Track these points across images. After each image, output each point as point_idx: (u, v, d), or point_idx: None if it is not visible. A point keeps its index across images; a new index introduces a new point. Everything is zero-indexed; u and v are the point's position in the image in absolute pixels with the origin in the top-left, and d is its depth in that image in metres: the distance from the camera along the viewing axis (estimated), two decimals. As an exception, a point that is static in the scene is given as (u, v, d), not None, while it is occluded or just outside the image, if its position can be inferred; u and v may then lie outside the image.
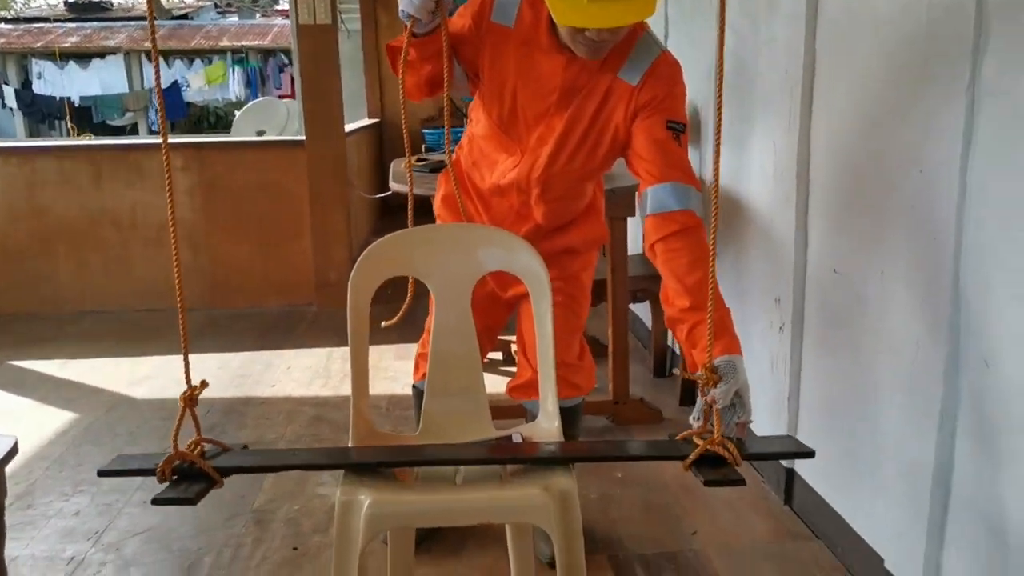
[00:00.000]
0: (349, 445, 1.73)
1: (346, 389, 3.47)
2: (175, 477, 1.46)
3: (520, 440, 1.75)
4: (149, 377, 3.58)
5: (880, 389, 1.94)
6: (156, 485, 2.39)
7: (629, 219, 3.07)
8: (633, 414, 3.09)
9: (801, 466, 2.38)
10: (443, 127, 2.14)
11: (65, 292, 4.68)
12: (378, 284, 1.81)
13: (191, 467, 1.47)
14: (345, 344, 4.25)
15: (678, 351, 3.35)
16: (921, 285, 1.72)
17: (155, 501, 1.41)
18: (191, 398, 1.53)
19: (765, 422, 2.56)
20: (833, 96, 2.14)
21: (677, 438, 1.61)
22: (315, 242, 4.73)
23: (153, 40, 1.43)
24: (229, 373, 3.62)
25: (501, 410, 2.23)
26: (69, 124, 8.83)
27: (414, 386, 2.31)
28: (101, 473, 1.50)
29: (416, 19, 1.79)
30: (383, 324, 1.97)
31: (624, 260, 3.03)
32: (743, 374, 1.62)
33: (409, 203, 1.98)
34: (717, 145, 1.54)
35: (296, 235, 4.79)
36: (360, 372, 1.78)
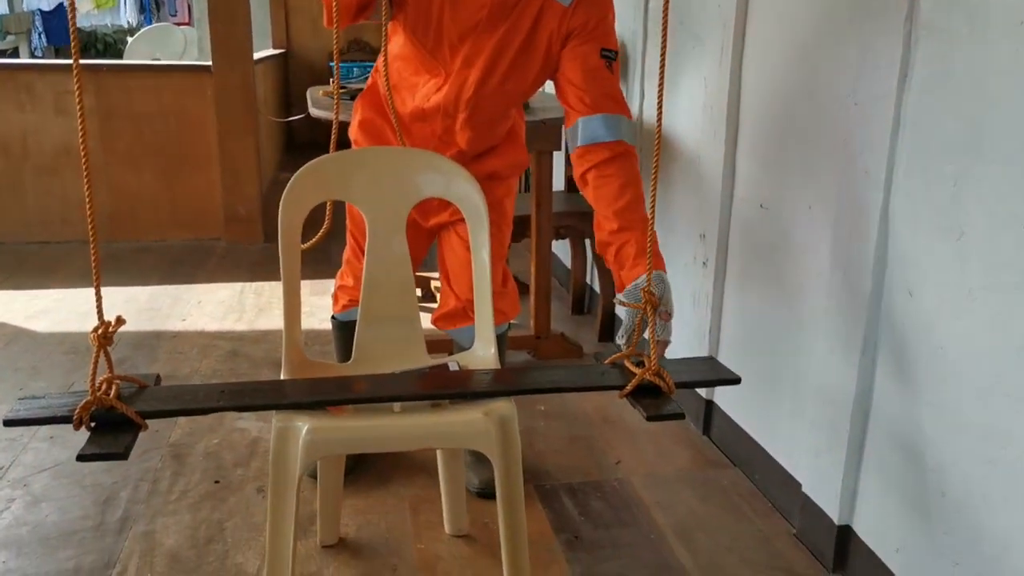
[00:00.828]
0: (282, 376, 1.68)
1: (262, 324, 3.40)
2: (93, 424, 1.37)
3: (456, 368, 1.73)
4: (47, 311, 3.39)
5: (804, 320, 2.01)
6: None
7: (555, 154, 3.06)
8: (554, 349, 3.12)
9: (720, 397, 2.45)
10: (355, 60, 2.05)
11: (-50, 222, 4.38)
12: (310, 207, 1.75)
13: (110, 411, 1.37)
14: (257, 280, 4.13)
15: (597, 289, 3.38)
16: (850, 218, 1.77)
17: (80, 457, 1.31)
18: (105, 336, 1.40)
19: (685, 354, 2.62)
20: (766, 30, 2.16)
21: (606, 362, 1.63)
22: (224, 174, 4.55)
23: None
24: (136, 307, 3.47)
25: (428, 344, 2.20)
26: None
27: (334, 317, 2.26)
28: (8, 423, 1.38)
29: None
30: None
31: (549, 196, 3.02)
32: (670, 293, 1.65)
33: (333, 130, 1.89)
34: (661, 79, 1.53)
35: (202, 166, 4.59)
36: (292, 300, 1.72)
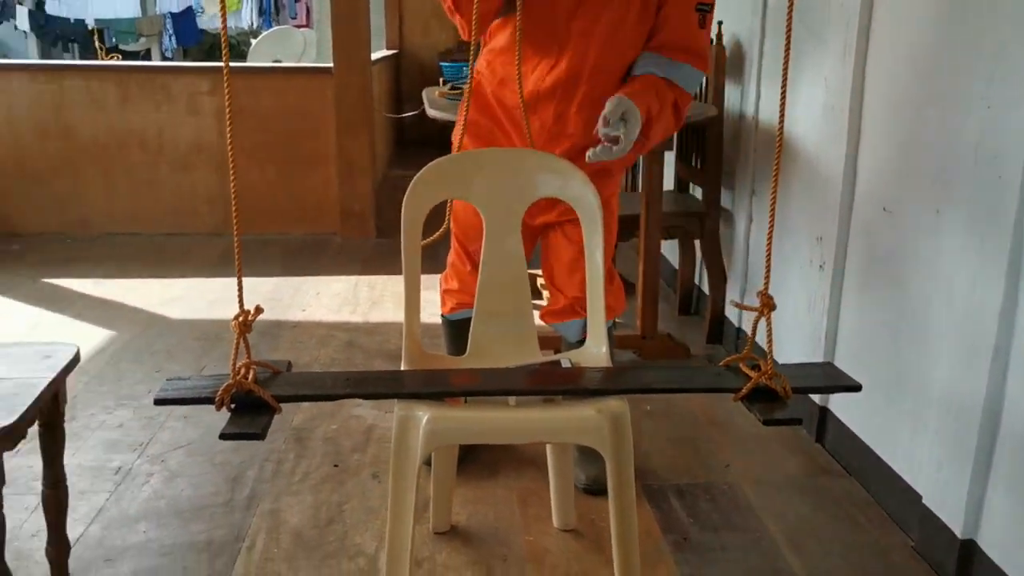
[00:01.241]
0: (402, 367, 1.75)
1: (375, 316, 3.52)
2: (232, 405, 1.47)
3: (569, 365, 1.77)
4: (180, 298, 3.60)
5: (928, 327, 1.95)
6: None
7: (666, 153, 3.05)
8: (660, 349, 3.11)
9: (835, 403, 2.41)
10: (461, 60, 2.10)
11: (93, 213, 4.69)
12: (432, 206, 1.81)
13: (248, 395, 1.47)
14: (370, 273, 4.28)
15: (706, 290, 3.36)
16: (981, 224, 1.71)
17: (223, 436, 1.41)
18: (245, 323, 1.50)
19: (800, 360, 2.57)
20: (892, 29, 2.10)
21: (720, 364, 1.63)
22: (340, 171, 4.71)
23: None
24: (260, 296, 3.64)
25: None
26: (98, 46, 8.71)
27: (443, 317, 2.31)
28: (159, 402, 1.49)
29: None
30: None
31: (659, 196, 3.01)
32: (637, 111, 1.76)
33: (455, 134, 1.94)
34: (784, 79, 1.52)
35: (320, 163, 4.77)
36: (412, 294, 1.79)
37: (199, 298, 3.58)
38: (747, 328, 3.00)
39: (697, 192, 3.43)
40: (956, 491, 1.79)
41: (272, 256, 4.36)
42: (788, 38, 1.50)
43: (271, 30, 12.32)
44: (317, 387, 1.55)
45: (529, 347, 1.85)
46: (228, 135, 1.46)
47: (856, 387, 1.61)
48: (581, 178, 1.81)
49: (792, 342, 2.64)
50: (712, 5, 1.92)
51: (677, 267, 3.64)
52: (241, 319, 1.50)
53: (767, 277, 1.58)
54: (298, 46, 11.53)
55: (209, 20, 16.44)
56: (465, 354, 1.86)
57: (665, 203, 3.13)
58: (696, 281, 3.58)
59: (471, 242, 2.12)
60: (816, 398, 2.45)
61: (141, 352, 3.06)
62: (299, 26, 15.01)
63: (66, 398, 1.72)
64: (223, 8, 1.45)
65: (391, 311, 3.54)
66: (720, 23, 3.10)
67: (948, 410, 1.83)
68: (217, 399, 1.45)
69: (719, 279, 3.22)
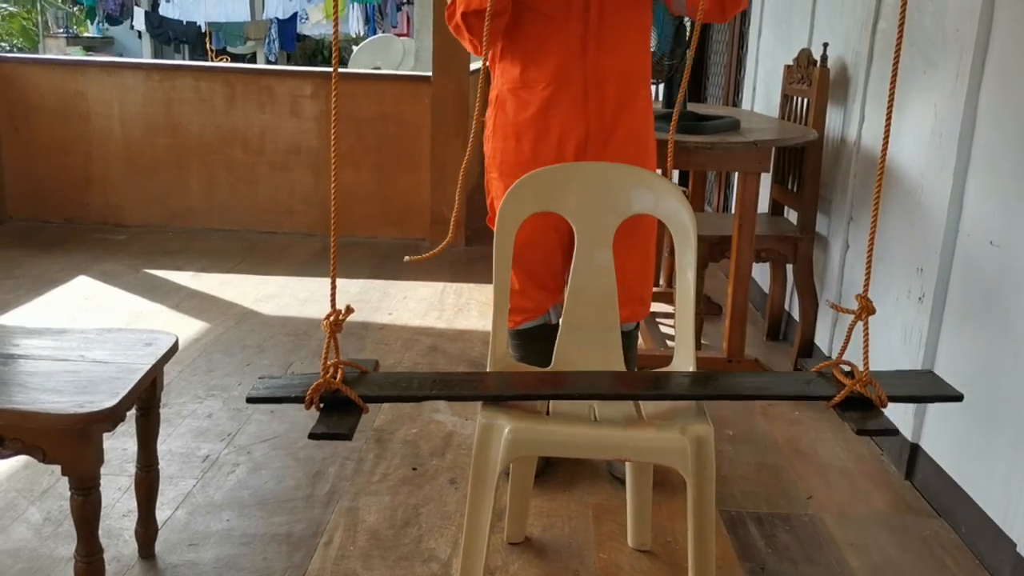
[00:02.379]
0: (488, 365, 1.76)
1: (459, 323, 3.55)
2: (321, 405, 1.49)
3: (655, 383, 1.75)
4: (273, 296, 3.71)
5: (1032, 368, 1.86)
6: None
7: (763, 175, 2.99)
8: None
9: (927, 440, 2.32)
10: None
11: (195, 208, 4.88)
12: (525, 217, 1.83)
13: (335, 394, 1.49)
14: (457, 280, 4.32)
15: (796, 316, 3.28)
16: (1097, 262, 1.63)
17: (312, 436, 1.43)
18: (336, 323, 1.52)
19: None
20: (1009, 58, 2.02)
21: (813, 370, 1.59)
22: (433, 177, 4.78)
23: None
24: (348, 298, 3.72)
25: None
26: (209, 47, 9.09)
27: (510, 330, 2.31)
28: (251, 400, 1.53)
29: None
30: (406, 258, 2.04)
31: (752, 218, 2.96)
32: None
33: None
34: (890, 104, 1.48)
35: (414, 169, 4.85)
36: (501, 301, 1.81)
37: (291, 296, 3.68)
38: (837, 352, 2.93)
39: (792, 216, 3.36)
40: (1057, 542, 1.70)
41: (362, 258, 4.45)
42: (896, 60, 1.46)
43: (372, 38, 12.63)
44: (403, 388, 1.57)
45: (615, 359, 1.85)
46: (332, 138, 1.49)
47: (958, 397, 1.54)
48: (676, 195, 1.80)
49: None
50: None
51: (767, 291, 3.57)
52: (332, 319, 1.52)
53: (867, 279, 1.52)
54: (398, 54, 11.78)
55: (313, 27, 16.97)
56: (550, 365, 1.86)
57: (758, 225, 3.07)
58: (786, 307, 3.50)
59: (531, 249, 2.14)
60: (907, 434, 2.37)
61: (233, 345, 3.16)
62: (400, 35, 15.36)
63: (163, 385, 1.79)
64: (336, 16, 1.48)
65: (476, 319, 3.57)
66: (825, 45, 3.03)
67: (1052, 456, 1.74)
68: (307, 399, 1.48)
69: (810, 306, 3.13)
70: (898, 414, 2.45)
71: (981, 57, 2.12)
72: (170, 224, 4.87)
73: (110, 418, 1.48)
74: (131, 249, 4.44)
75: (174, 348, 1.76)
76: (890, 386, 1.49)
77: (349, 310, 1.57)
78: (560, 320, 1.87)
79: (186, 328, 3.30)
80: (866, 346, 1.49)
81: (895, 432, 1.42)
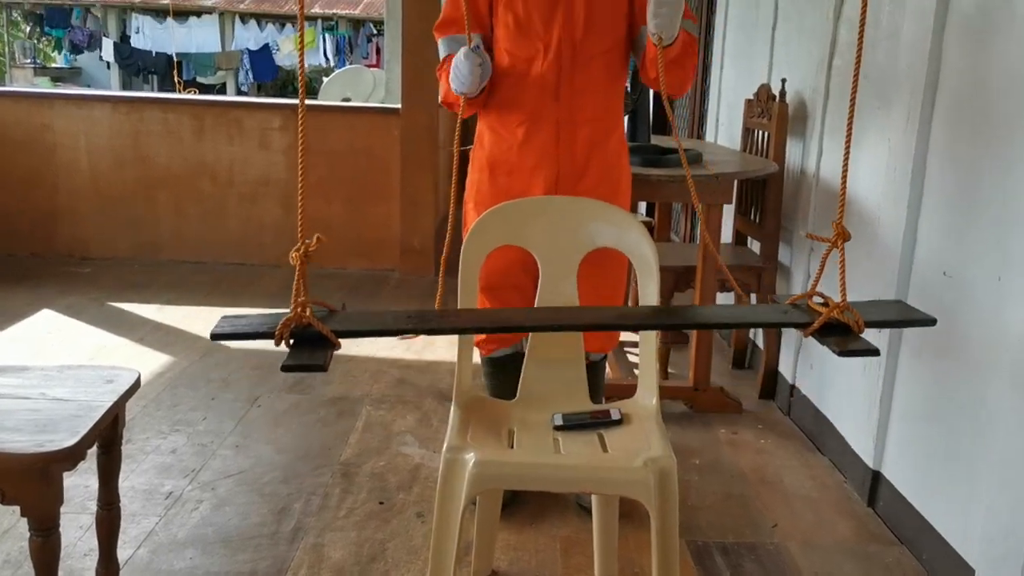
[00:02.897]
0: (452, 409, 1.76)
1: (428, 355, 3.55)
2: (291, 341, 1.44)
3: (619, 416, 1.77)
4: (240, 328, 3.68)
5: (986, 396, 1.90)
6: (250, 429, 2.50)
7: (725, 208, 3.05)
8: (712, 402, 3.08)
9: (888, 468, 2.35)
10: None
11: (162, 240, 4.85)
12: (490, 249, 1.85)
13: (306, 329, 1.44)
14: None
15: (760, 344, 3.32)
16: (1044, 293, 1.68)
17: (285, 368, 1.39)
18: (306, 254, 1.47)
19: (853, 424, 2.53)
20: (959, 95, 2.09)
21: (787, 302, 1.61)
22: (403, 208, 4.80)
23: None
24: (316, 330, 3.71)
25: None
26: (176, 80, 9.07)
27: (483, 358, 2.35)
28: (215, 337, 1.46)
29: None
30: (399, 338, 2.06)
31: (716, 248, 3.01)
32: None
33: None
34: (848, 140, 1.52)
35: (384, 200, 4.87)
36: (467, 336, 1.82)
37: (258, 328, 3.65)
38: (801, 385, 2.97)
39: (755, 246, 3.41)
40: (1011, 568, 1.73)
41: (331, 289, 4.44)
42: (853, 98, 1.50)
43: (343, 69, 12.68)
44: (376, 323, 1.53)
45: (580, 393, 1.86)
46: (301, 169, 1.48)
47: (930, 321, 1.54)
48: (638, 229, 1.83)
49: (846, 406, 2.60)
50: None
51: (732, 320, 3.61)
52: (302, 250, 1.46)
53: (842, 205, 1.54)
54: (368, 85, 11.83)
55: (284, 57, 17.01)
56: (515, 398, 1.87)
57: (723, 256, 3.12)
58: (750, 336, 3.54)
59: (506, 290, 2.20)
60: (869, 461, 2.40)
61: (198, 379, 3.14)
62: (370, 66, 15.43)
63: (125, 422, 1.78)
64: (301, 47, 1.49)
65: (444, 350, 3.57)
66: (784, 80, 3.11)
67: (1004, 484, 1.77)
68: (277, 333, 1.42)
69: (774, 334, 3.18)
70: (858, 439, 2.49)
71: (932, 94, 2.19)
72: (137, 257, 4.83)
73: (71, 457, 1.46)
74: (97, 282, 4.40)
75: (136, 384, 1.74)
76: (865, 313, 1.49)
77: (320, 240, 1.48)
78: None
79: (150, 362, 3.27)
80: (842, 274, 1.51)
81: (876, 352, 1.42)
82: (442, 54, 2.23)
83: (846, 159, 1.51)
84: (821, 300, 1.53)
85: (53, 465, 1.45)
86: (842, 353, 1.43)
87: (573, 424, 1.74)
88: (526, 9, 2.11)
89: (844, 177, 1.52)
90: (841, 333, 1.46)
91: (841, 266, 1.52)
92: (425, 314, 1.60)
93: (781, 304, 1.61)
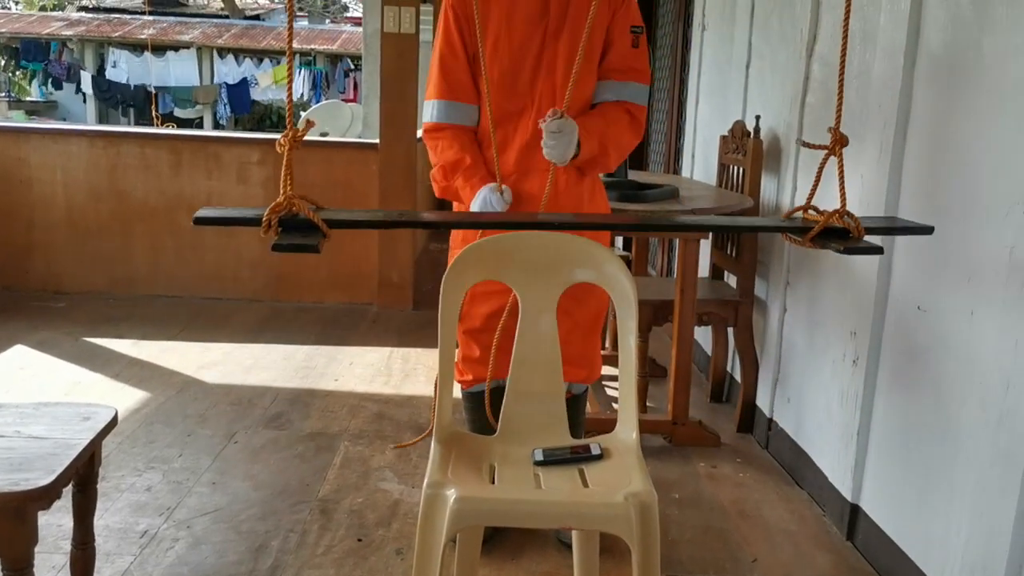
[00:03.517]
0: (432, 445, 1.76)
1: (407, 389, 3.54)
2: (281, 229, 1.42)
3: (599, 451, 1.77)
4: (217, 363, 3.66)
5: (960, 430, 1.93)
6: (227, 466, 2.47)
7: (702, 242, 3.08)
8: (691, 436, 3.09)
9: (867, 502, 2.37)
10: None
11: (138, 274, 4.81)
12: (470, 286, 1.86)
13: (295, 218, 1.41)
14: (404, 345, 4.30)
15: (738, 378, 3.34)
16: (1017, 328, 1.71)
17: (276, 247, 1.37)
18: (295, 139, 1.46)
19: (831, 457, 2.55)
20: (928, 131, 2.14)
21: (784, 216, 1.64)
22: (381, 241, 4.80)
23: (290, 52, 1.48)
24: (294, 364, 3.69)
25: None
26: (154, 113, 9.06)
27: (463, 392, 2.35)
28: (197, 221, 1.44)
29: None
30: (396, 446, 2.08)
31: (693, 283, 3.03)
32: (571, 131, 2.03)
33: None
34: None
35: (361, 233, 4.84)
36: (447, 371, 1.82)
37: (235, 363, 3.63)
38: (778, 419, 2.99)
39: (732, 280, 3.45)
40: (990, 601, 1.75)
41: (309, 324, 4.43)
42: (839, 112, 1.54)
43: (321, 103, 12.75)
44: (366, 215, 1.53)
45: (560, 428, 1.86)
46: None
47: (928, 229, 1.60)
48: (618, 264, 1.85)
49: (823, 438, 2.62)
50: (643, 28, 2.23)
51: (710, 352, 3.63)
52: (291, 135, 1.44)
53: (839, 111, 1.57)
54: (346, 119, 11.89)
55: (262, 92, 17.07)
56: (495, 433, 1.87)
57: (700, 289, 3.14)
58: (728, 368, 3.57)
59: (491, 332, 2.18)
60: (847, 494, 2.42)
61: (174, 415, 3.10)
62: (347, 100, 15.52)
63: (101, 460, 1.76)
64: (289, 80, 1.51)
65: (423, 384, 3.56)
66: (758, 117, 3.16)
67: (979, 515, 1.79)
68: (265, 219, 1.39)
69: (751, 367, 3.20)
70: (836, 472, 2.50)
71: (903, 131, 2.24)
72: (112, 291, 4.79)
73: (46, 496, 1.44)
74: (71, 317, 4.36)
75: (113, 422, 1.73)
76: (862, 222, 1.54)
77: (309, 123, 1.48)
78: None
79: (126, 398, 3.24)
80: (841, 180, 1.53)
81: (880, 250, 1.45)
82: (436, 117, 2.21)
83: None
84: (817, 212, 1.56)
85: (28, 504, 1.43)
86: (847, 251, 1.47)
87: (554, 459, 1.74)
88: (512, 63, 2.15)
89: (841, 76, 1.54)
90: (841, 237, 1.49)
91: (840, 172, 1.55)
92: (409, 212, 1.62)
93: (778, 217, 1.64)
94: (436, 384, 1.90)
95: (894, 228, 1.82)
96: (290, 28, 1.54)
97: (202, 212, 1.49)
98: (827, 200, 1.71)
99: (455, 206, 2.30)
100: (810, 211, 1.59)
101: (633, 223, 1.63)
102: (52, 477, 1.45)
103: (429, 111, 2.23)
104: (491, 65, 2.14)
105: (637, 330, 1.80)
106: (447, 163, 2.19)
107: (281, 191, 1.47)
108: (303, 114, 11.89)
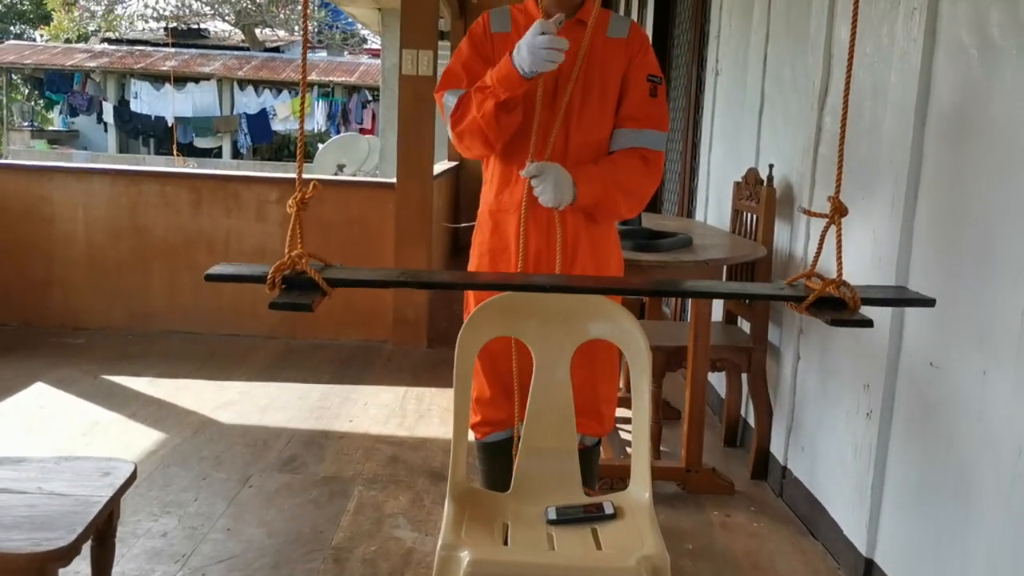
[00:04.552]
0: (446, 503, 1.77)
1: (421, 431, 3.56)
2: (284, 287, 1.48)
3: (612, 509, 1.78)
4: (234, 402, 3.69)
5: (972, 489, 1.92)
6: (242, 511, 2.48)
7: (716, 289, 3.09)
8: (705, 484, 3.08)
9: (882, 556, 2.36)
10: None
11: (156, 311, 4.87)
12: (485, 341, 1.88)
13: (299, 276, 1.48)
14: (419, 384, 4.32)
15: (751, 422, 3.34)
16: (1028, 391, 1.71)
17: (273, 306, 1.43)
18: (302, 201, 1.52)
19: (846, 509, 2.54)
20: (941, 189, 2.15)
21: (785, 282, 1.64)
22: (396, 281, 4.84)
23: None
24: (309, 404, 3.72)
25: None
26: (175, 151, 9.20)
27: (477, 442, 2.34)
28: (208, 277, 1.51)
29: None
30: None
31: (707, 328, 3.05)
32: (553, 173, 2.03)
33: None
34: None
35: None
36: (461, 427, 1.84)
37: (251, 403, 3.66)
38: (793, 467, 2.98)
39: (745, 326, 3.45)
40: (1005, 666, 1.74)
41: (324, 361, 4.46)
42: (838, 181, 1.55)
43: (338, 136, 12.89)
44: (369, 275, 1.57)
45: (573, 485, 1.88)
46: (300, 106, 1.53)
47: (930, 302, 1.58)
48: (632, 321, 1.87)
49: (838, 489, 2.61)
50: (661, 78, 2.23)
51: (724, 396, 3.63)
52: (299, 197, 1.50)
53: (838, 182, 1.57)
54: (363, 152, 12.00)
55: (280, 122, 17.32)
56: (508, 490, 1.88)
57: (713, 335, 3.16)
58: (743, 413, 3.56)
59: (507, 371, 2.17)
60: (862, 548, 2.41)
61: (190, 457, 3.13)
62: (364, 131, 15.70)
63: (120, 514, 1.78)
64: (302, 113, 1.55)
65: (437, 426, 3.58)
66: (771, 166, 3.19)
67: (994, 575, 1.79)
68: (269, 278, 1.46)
69: (765, 414, 3.20)
70: (851, 525, 2.49)
71: (915, 185, 2.25)
72: (131, 327, 4.85)
73: (67, 555, 1.47)
74: (90, 353, 4.41)
75: (132, 477, 1.76)
76: (863, 291, 1.53)
77: (316, 187, 1.54)
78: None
79: (142, 439, 3.27)
80: (839, 250, 1.54)
81: (870, 323, 1.44)
82: (450, 105, 2.17)
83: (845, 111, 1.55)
84: (820, 280, 1.57)
85: (49, 564, 1.46)
86: (834, 322, 1.47)
87: (567, 518, 1.76)
88: (526, 106, 2.12)
89: (841, 144, 1.56)
90: (836, 307, 1.50)
91: (838, 241, 1.56)
92: (416, 272, 1.65)
93: (779, 282, 1.65)
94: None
95: (895, 300, 1.82)
96: (303, 91, 1.59)
97: (214, 270, 1.55)
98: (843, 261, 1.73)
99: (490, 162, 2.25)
100: (814, 278, 1.61)
101: (644, 287, 1.65)
102: (73, 537, 1.47)
103: (444, 105, 2.19)
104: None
105: (650, 383, 1.82)
106: (463, 99, 2.14)
107: (287, 250, 1.51)
108: (320, 145, 12.05)
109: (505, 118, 2.08)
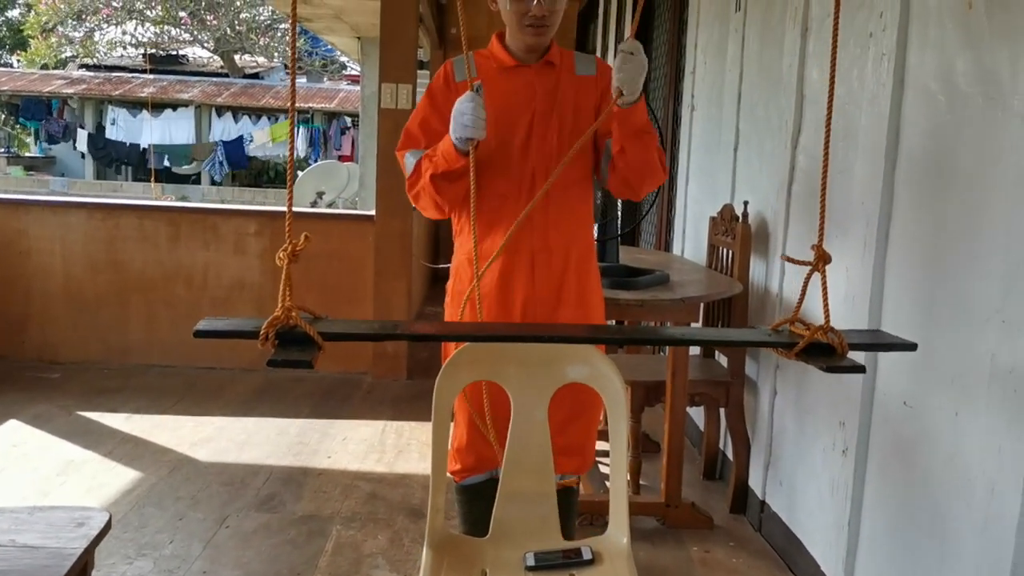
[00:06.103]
0: (424, 552, 1.77)
1: (400, 467, 3.54)
2: (276, 342, 1.47)
3: (591, 555, 1.78)
4: (211, 439, 3.66)
5: (947, 528, 1.95)
6: (218, 553, 2.47)
7: (692, 324, 3.12)
8: (684, 518, 3.09)
9: (859, 594, 2.37)
10: None
11: (134, 344, 4.84)
12: (463, 386, 1.89)
13: (292, 331, 1.47)
14: (399, 418, 4.30)
15: (730, 455, 3.36)
16: (999, 434, 1.74)
17: (272, 363, 1.42)
18: (293, 254, 1.52)
19: (823, 546, 2.56)
20: (912, 234, 2.19)
21: (771, 327, 1.66)
22: (376, 311, 4.84)
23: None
24: (288, 439, 3.70)
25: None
26: (153, 183, 9.18)
27: (456, 486, 2.33)
28: (197, 334, 1.50)
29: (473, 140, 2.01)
30: None
31: (685, 364, 3.07)
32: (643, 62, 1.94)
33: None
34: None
35: (357, 303, 4.90)
36: (439, 476, 1.84)
37: (229, 440, 3.63)
38: (771, 502, 3.00)
39: (722, 359, 3.48)
40: None
41: (303, 396, 4.44)
42: (821, 230, 1.58)
43: (317, 164, 12.90)
44: (362, 328, 1.56)
45: (552, 530, 1.88)
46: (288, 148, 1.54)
47: (911, 346, 1.62)
48: (610, 366, 1.88)
49: (815, 525, 2.63)
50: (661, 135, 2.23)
51: (703, 428, 3.65)
52: (289, 250, 1.50)
53: (821, 230, 1.60)
54: (342, 179, 12.02)
55: (257, 148, 17.31)
56: (487, 535, 1.88)
57: (691, 369, 3.18)
58: (721, 446, 3.58)
59: (479, 411, 2.17)
60: (840, 586, 2.42)
61: (165, 497, 3.10)
62: (344, 157, 15.73)
63: (94, 564, 1.77)
64: (291, 140, 1.56)
65: (416, 461, 3.57)
66: (746, 203, 3.23)
67: (971, 620, 1.80)
68: (262, 333, 1.45)
69: (743, 448, 3.22)
70: (828, 562, 2.51)
71: (886, 226, 2.29)
72: (107, 361, 4.81)
73: (39, 611, 1.45)
74: (66, 388, 4.37)
75: (107, 527, 1.74)
76: (847, 336, 1.57)
77: (307, 239, 1.54)
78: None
79: (117, 479, 3.23)
80: (825, 296, 1.57)
81: (863, 369, 1.48)
82: (409, 166, 2.19)
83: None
84: (803, 326, 1.60)
85: (21, 621, 1.44)
86: (829, 369, 1.51)
87: (545, 564, 1.76)
88: (500, 145, 2.13)
89: (823, 193, 1.58)
90: (825, 354, 1.52)
91: (823, 289, 1.59)
92: (401, 323, 1.66)
93: (765, 329, 1.68)
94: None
95: (877, 344, 1.87)
96: (292, 123, 1.60)
97: (202, 325, 1.54)
98: (813, 302, 1.75)
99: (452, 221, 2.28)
100: (797, 324, 1.63)
101: (624, 337, 1.68)
102: (46, 592, 1.46)
103: (405, 169, 2.20)
104: (479, 146, 2.08)
105: (628, 427, 1.83)
106: (414, 171, 2.17)
107: (280, 304, 1.51)
108: (300, 174, 12.04)
109: (448, 188, 2.09)
